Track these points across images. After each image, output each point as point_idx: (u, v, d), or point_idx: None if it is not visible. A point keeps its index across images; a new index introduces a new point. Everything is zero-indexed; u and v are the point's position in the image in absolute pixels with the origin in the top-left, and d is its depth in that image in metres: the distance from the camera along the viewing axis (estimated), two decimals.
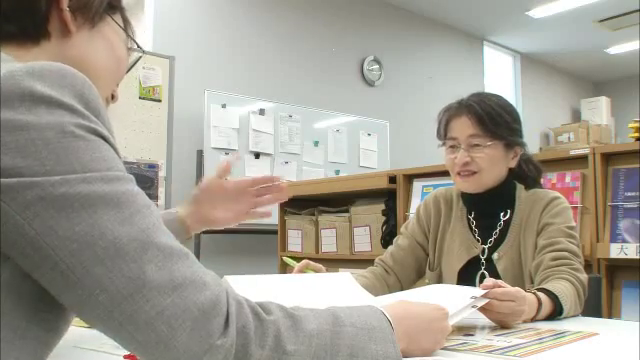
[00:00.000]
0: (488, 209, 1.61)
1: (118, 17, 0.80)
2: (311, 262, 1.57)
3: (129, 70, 0.85)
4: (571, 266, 1.42)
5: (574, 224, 1.53)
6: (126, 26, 0.82)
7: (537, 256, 1.48)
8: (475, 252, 1.59)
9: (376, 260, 1.75)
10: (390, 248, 1.76)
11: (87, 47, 0.75)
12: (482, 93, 1.65)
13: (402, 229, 1.81)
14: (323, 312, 0.71)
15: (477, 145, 1.54)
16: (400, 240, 1.75)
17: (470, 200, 1.64)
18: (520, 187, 1.61)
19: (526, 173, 1.63)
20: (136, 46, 0.85)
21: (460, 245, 1.63)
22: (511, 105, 1.62)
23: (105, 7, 0.77)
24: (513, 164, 1.60)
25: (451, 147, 1.59)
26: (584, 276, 1.43)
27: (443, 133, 1.61)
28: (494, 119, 1.54)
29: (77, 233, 0.56)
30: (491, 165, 1.55)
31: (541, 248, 1.48)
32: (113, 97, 0.82)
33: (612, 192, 2.19)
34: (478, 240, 1.60)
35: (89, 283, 0.57)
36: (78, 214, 0.57)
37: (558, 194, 1.58)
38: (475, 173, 1.55)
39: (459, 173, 1.57)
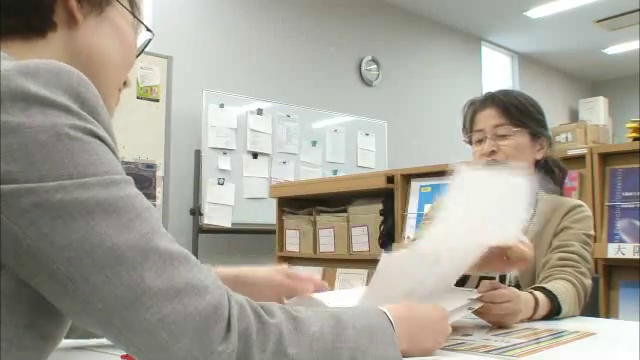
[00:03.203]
0: None
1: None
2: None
3: (139, 55, 0.81)
4: (577, 269, 1.42)
5: (592, 233, 1.53)
6: (133, 7, 0.78)
7: (547, 254, 1.49)
8: None
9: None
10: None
11: (95, 35, 0.72)
12: (507, 89, 1.69)
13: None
14: (325, 314, 0.70)
15: (503, 135, 1.56)
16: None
17: None
18: (540, 191, 1.61)
19: (552, 169, 1.63)
20: (145, 29, 0.81)
21: None
22: (535, 101, 1.65)
23: None
24: (539, 156, 1.61)
25: (478, 141, 1.61)
26: (588, 281, 1.43)
27: (469, 127, 1.63)
28: (519, 108, 1.57)
29: (75, 241, 0.54)
30: (517, 153, 1.56)
31: (553, 248, 1.49)
32: (125, 83, 0.78)
33: (610, 192, 2.19)
34: None
35: (87, 292, 0.55)
36: (75, 221, 0.55)
37: (582, 203, 1.58)
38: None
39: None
